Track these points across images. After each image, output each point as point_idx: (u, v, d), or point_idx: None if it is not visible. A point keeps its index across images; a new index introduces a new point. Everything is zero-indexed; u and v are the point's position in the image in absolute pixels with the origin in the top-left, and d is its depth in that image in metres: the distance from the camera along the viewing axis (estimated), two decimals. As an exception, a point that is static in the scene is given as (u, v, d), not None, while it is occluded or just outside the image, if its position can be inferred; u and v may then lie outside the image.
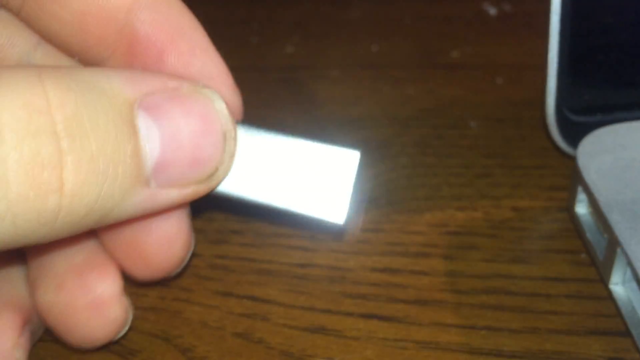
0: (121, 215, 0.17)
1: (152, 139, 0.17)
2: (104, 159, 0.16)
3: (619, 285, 0.21)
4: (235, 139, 0.19)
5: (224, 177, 0.19)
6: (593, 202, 0.22)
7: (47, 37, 0.20)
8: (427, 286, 0.23)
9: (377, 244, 0.24)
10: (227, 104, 0.19)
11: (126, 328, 0.21)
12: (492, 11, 0.37)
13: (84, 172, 0.16)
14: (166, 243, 0.20)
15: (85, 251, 0.21)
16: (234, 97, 0.21)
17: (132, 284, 0.24)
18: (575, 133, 0.24)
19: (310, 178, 0.20)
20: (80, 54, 0.20)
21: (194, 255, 0.24)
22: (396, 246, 0.24)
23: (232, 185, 0.20)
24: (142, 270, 0.21)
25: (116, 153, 0.16)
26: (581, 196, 0.23)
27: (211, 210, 0.26)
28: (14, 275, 0.21)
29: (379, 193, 0.26)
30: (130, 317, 0.21)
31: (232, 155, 0.19)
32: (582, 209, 0.23)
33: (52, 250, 0.21)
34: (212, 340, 0.22)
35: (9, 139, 0.15)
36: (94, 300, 0.20)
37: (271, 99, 0.32)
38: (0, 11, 0.20)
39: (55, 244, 0.20)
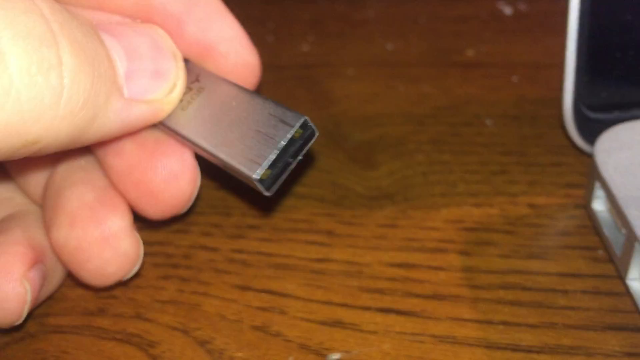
0: (105, 125, 0.18)
1: (116, 49, 0.19)
2: (89, 50, 0.17)
3: (636, 280, 0.21)
4: (182, 60, 0.21)
5: (180, 95, 0.21)
6: (611, 198, 0.22)
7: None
8: (444, 281, 0.23)
9: (394, 239, 0.25)
10: (247, 63, 0.22)
11: (137, 266, 0.22)
12: (508, 10, 0.37)
13: (76, 54, 0.17)
14: (173, 179, 0.21)
15: (95, 190, 0.22)
16: (252, 57, 0.23)
17: (151, 277, 0.24)
18: (592, 130, 0.25)
19: (249, 131, 0.19)
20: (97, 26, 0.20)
21: (211, 249, 0.25)
22: (413, 242, 0.24)
23: (180, 124, 0.21)
24: (153, 208, 0.22)
25: (94, 51, 0.17)
26: (598, 192, 0.23)
27: (228, 205, 0.26)
28: (29, 219, 0.22)
29: (395, 189, 0.27)
30: (142, 254, 0.22)
31: (184, 74, 0.21)
32: (599, 205, 0.23)
33: (63, 188, 0.22)
34: (231, 332, 0.22)
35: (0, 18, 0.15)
36: (104, 233, 0.21)
37: (287, 96, 0.32)
38: None
39: (63, 177, 0.22)
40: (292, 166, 0.19)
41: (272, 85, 0.33)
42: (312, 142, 0.19)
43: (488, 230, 0.24)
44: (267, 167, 0.19)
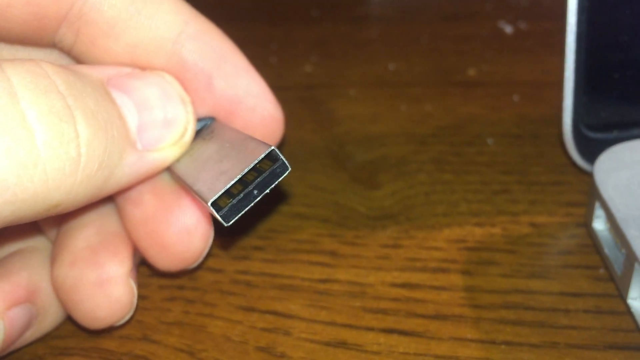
0: (122, 179, 0.20)
1: (127, 106, 0.20)
2: (101, 116, 0.18)
3: (637, 300, 0.21)
4: (191, 103, 0.22)
5: (191, 138, 0.22)
6: (610, 218, 0.22)
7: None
8: (447, 301, 0.23)
9: (397, 259, 0.25)
10: (272, 117, 0.23)
11: (130, 314, 0.23)
12: (508, 29, 0.37)
13: (91, 125, 0.18)
14: (186, 234, 0.22)
15: (102, 234, 0.22)
16: (277, 111, 0.24)
17: (157, 299, 0.24)
18: (592, 150, 0.25)
19: (222, 164, 0.20)
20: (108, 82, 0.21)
21: (217, 271, 0.25)
22: (415, 262, 0.25)
23: (179, 166, 0.21)
24: (163, 259, 0.23)
25: (107, 114, 0.19)
26: (599, 212, 0.23)
27: (232, 226, 0.27)
28: (36, 256, 0.23)
29: (397, 209, 0.27)
30: (135, 302, 0.22)
31: (194, 118, 0.22)
32: (599, 224, 0.23)
33: (75, 226, 0.23)
34: (235, 354, 0.22)
35: (25, 96, 0.17)
36: (100, 277, 0.22)
37: (290, 117, 0.33)
38: (52, 51, 0.22)
39: (76, 217, 0.23)
40: (257, 199, 0.19)
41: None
42: (283, 176, 0.19)
43: (490, 249, 0.25)
44: (221, 193, 0.18)
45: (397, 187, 0.28)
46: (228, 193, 0.19)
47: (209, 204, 0.18)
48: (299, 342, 0.22)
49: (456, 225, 0.26)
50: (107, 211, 0.23)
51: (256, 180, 0.19)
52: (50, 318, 0.23)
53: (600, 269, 0.23)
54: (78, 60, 0.22)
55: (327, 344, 0.22)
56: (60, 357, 0.23)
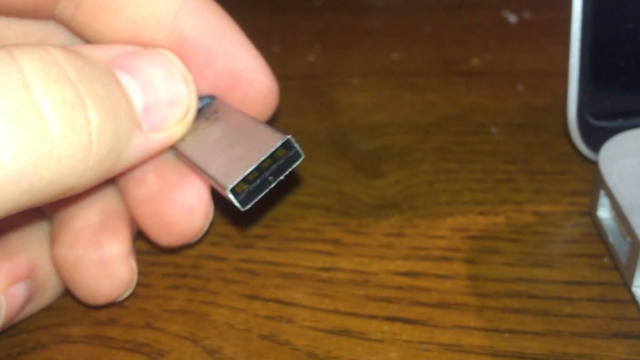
0: (128, 160, 0.20)
1: (132, 87, 0.20)
2: (109, 101, 0.18)
3: (642, 288, 0.21)
4: (193, 82, 0.22)
5: (193, 117, 0.22)
6: (615, 206, 0.22)
7: (97, 43, 0.22)
8: (450, 289, 0.23)
9: (400, 248, 0.25)
10: (269, 89, 0.23)
11: (130, 290, 0.23)
12: (512, 18, 0.37)
13: (101, 110, 0.18)
14: (188, 213, 0.23)
15: (102, 214, 0.23)
16: (273, 83, 0.24)
17: (160, 287, 0.24)
18: (596, 138, 0.25)
19: (236, 149, 0.20)
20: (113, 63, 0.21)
21: (220, 259, 0.25)
22: (419, 250, 0.25)
23: (187, 148, 0.22)
24: (164, 237, 0.23)
25: (114, 97, 0.19)
26: (603, 200, 0.23)
27: (236, 215, 0.27)
28: (35, 233, 0.23)
29: (401, 198, 0.27)
30: (135, 279, 0.23)
31: (196, 96, 0.22)
32: (604, 213, 0.23)
33: (74, 205, 0.23)
34: (239, 342, 0.22)
35: (38, 86, 0.17)
36: (101, 257, 0.22)
37: (293, 106, 0.33)
38: (49, 23, 0.22)
39: (78, 199, 0.23)
40: (272, 185, 0.20)
41: (279, 96, 0.33)
42: (297, 163, 0.20)
43: (494, 238, 0.25)
44: (240, 179, 0.19)
45: (400, 176, 0.28)
46: (244, 179, 0.19)
47: (228, 190, 0.19)
48: (302, 330, 0.22)
49: (460, 214, 0.26)
50: (106, 191, 0.23)
51: (271, 167, 0.19)
52: (49, 292, 0.23)
53: (605, 257, 0.23)
54: (77, 33, 0.22)
55: (330, 331, 0.22)
56: (63, 344, 0.23)
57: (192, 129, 0.22)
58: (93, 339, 0.23)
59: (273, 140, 0.19)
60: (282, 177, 0.20)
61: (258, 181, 0.19)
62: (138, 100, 0.20)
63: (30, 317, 0.23)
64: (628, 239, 0.21)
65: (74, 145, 0.17)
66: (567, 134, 0.26)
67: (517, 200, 0.26)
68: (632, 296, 0.21)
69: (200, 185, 0.23)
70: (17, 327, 0.23)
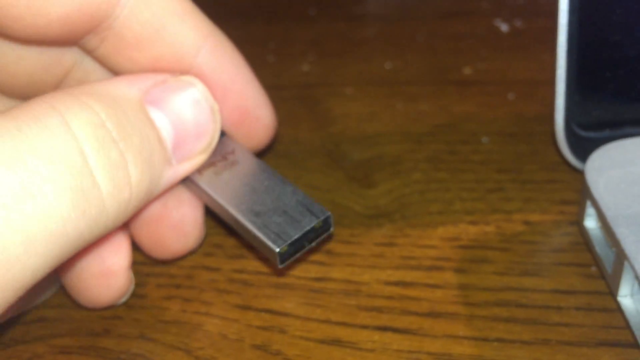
0: (157, 193, 0.21)
1: (164, 126, 0.21)
2: (145, 150, 0.20)
3: (627, 297, 0.21)
4: (219, 112, 0.23)
5: (214, 147, 0.23)
6: (601, 216, 0.22)
7: (118, 73, 0.23)
8: (440, 299, 0.23)
9: (391, 257, 0.25)
10: (271, 125, 0.25)
11: (128, 295, 0.24)
12: (504, 27, 0.37)
13: (139, 164, 0.19)
14: (183, 236, 0.24)
15: None
16: (274, 120, 0.26)
17: (154, 298, 0.25)
18: (584, 148, 0.25)
19: (277, 210, 0.22)
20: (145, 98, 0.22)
21: (213, 269, 0.25)
22: (410, 260, 0.25)
23: (213, 188, 0.23)
24: (159, 254, 0.25)
25: (149, 143, 0.20)
26: (590, 210, 0.23)
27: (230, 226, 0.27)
28: None
29: (393, 208, 0.27)
30: (132, 287, 0.24)
31: (220, 125, 0.23)
32: (591, 222, 0.24)
33: None
34: (232, 352, 0.22)
35: (91, 153, 0.18)
36: (104, 271, 0.23)
37: (287, 115, 0.33)
38: (73, 48, 0.23)
39: None
40: (305, 250, 0.22)
41: (273, 104, 0.34)
42: (325, 235, 0.22)
43: (484, 247, 0.25)
44: (288, 244, 0.21)
45: (392, 185, 0.28)
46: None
47: (278, 253, 0.21)
48: (294, 340, 0.23)
49: (451, 224, 0.26)
50: None
51: (308, 235, 0.22)
52: (48, 290, 0.25)
53: (592, 266, 0.23)
54: (99, 61, 0.23)
55: (322, 341, 0.22)
56: (59, 355, 0.23)
57: (209, 163, 0.23)
58: (88, 349, 0.23)
59: (317, 213, 0.22)
60: (313, 244, 0.22)
61: (297, 245, 0.22)
62: (169, 137, 0.21)
63: (27, 328, 0.24)
64: (613, 249, 0.22)
65: (119, 201, 0.19)
66: (556, 144, 0.26)
67: (507, 209, 0.26)
68: (618, 305, 0.22)
69: (197, 209, 0.24)
70: (13, 339, 0.24)
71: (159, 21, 0.22)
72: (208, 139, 0.22)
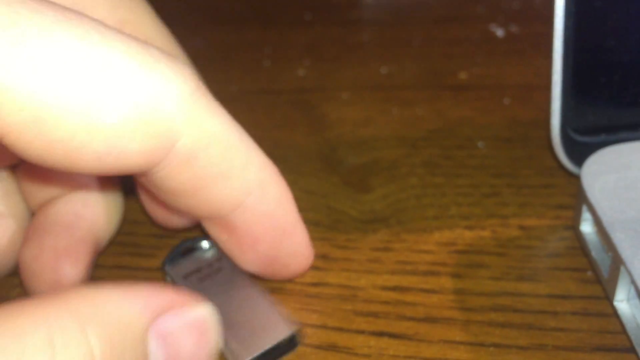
0: None
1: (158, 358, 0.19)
2: None
3: (623, 302, 0.21)
4: (219, 344, 0.21)
5: None
6: (597, 221, 0.22)
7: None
8: (436, 304, 0.23)
9: (387, 262, 0.25)
10: (300, 269, 0.24)
11: None
12: (500, 32, 0.37)
13: None
14: None
15: (70, 239, 0.24)
16: (308, 264, 0.24)
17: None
18: (579, 153, 0.25)
19: (248, 322, 0.22)
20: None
21: (209, 274, 0.25)
22: (406, 265, 0.25)
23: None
24: None
25: None
26: (586, 215, 0.23)
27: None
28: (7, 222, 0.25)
29: (389, 213, 0.27)
30: None
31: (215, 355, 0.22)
32: (587, 227, 0.24)
33: (49, 221, 0.24)
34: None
35: None
36: (57, 280, 0.23)
37: (283, 120, 0.33)
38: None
39: (56, 208, 0.24)
40: None
41: (269, 109, 0.34)
42: (292, 350, 0.22)
43: (480, 252, 0.25)
44: (254, 358, 0.21)
45: (388, 190, 0.28)
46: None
47: None
48: (290, 346, 0.22)
49: (446, 229, 0.26)
50: (82, 221, 0.24)
51: (273, 351, 0.22)
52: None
53: (588, 271, 0.24)
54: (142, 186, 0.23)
55: (318, 347, 0.22)
56: None
57: (195, 269, 0.24)
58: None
59: (284, 329, 0.22)
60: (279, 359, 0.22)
61: (262, 358, 0.22)
62: None
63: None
64: (609, 253, 0.22)
65: None
66: (552, 148, 0.26)
67: (503, 214, 0.26)
68: (614, 310, 0.22)
69: None
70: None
71: (199, 182, 0.21)
72: None
